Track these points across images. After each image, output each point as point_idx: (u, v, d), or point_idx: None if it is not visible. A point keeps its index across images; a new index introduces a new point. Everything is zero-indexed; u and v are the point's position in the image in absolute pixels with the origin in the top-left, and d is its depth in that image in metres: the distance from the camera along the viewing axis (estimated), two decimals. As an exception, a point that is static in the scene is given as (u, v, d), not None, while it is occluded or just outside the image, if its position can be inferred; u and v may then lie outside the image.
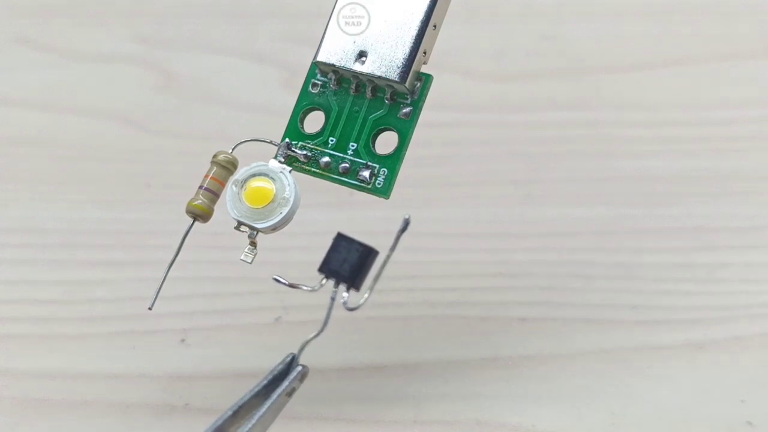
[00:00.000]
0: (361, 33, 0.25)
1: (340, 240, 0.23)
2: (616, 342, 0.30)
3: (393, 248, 0.23)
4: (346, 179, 0.25)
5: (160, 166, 0.37)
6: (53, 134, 0.39)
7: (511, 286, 0.32)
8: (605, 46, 0.42)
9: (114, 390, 0.29)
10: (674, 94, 0.40)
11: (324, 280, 0.23)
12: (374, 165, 0.25)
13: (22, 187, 0.37)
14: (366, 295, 0.23)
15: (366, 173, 0.25)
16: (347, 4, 0.25)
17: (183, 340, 0.30)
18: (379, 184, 0.25)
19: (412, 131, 0.25)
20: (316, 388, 0.29)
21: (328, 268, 0.23)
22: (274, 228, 0.25)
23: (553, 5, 0.44)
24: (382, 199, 0.25)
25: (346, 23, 0.25)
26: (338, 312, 0.31)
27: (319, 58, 0.25)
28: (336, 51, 0.25)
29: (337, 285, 0.23)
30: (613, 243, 0.33)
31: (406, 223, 0.22)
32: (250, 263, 0.25)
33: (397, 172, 0.25)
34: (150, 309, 0.25)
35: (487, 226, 0.35)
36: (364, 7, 0.25)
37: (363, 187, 0.25)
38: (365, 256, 0.23)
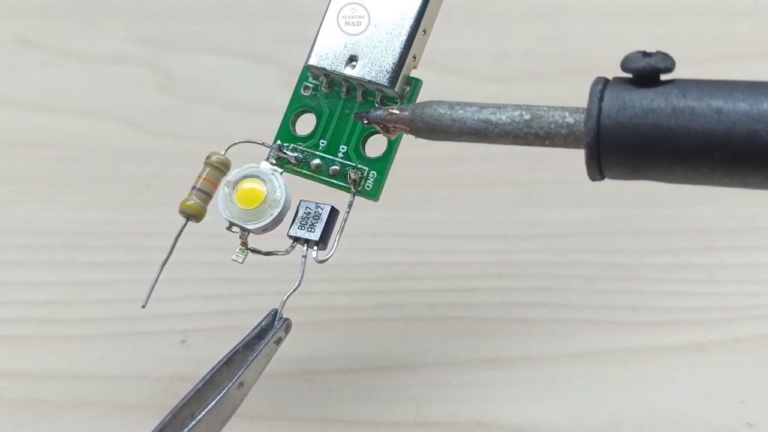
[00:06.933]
0: (361, 33, 0.25)
1: (304, 205, 0.25)
2: (615, 343, 0.30)
3: (350, 206, 0.25)
4: (335, 181, 0.25)
5: (160, 167, 0.37)
6: (53, 135, 0.39)
7: (511, 287, 0.32)
8: (605, 46, 0.42)
9: (114, 391, 0.29)
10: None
11: (294, 243, 0.25)
12: (364, 168, 0.25)
13: (22, 188, 0.37)
14: (332, 250, 0.25)
15: (356, 176, 0.25)
16: (347, 4, 0.25)
17: (183, 342, 0.30)
18: (368, 186, 0.25)
19: (401, 135, 0.25)
20: (316, 390, 0.29)
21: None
22: (265, 229, 0.25)
23: (553, 5, 0.44)
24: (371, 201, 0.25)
25: (347, 23, 0.25)
26: (339, 314, 0.31)
27: (311, 62, 0.25)
28: (327, 55, 0.25)
29: (305, 245, 0.25)
30: (613, 244, 0.33)
31: (354, 182, 0.25)
32: (242, 263, 0.25)
33: (386, 175, 0.25)
34: (143, 307, 0.25)
35: (487, 228, 0.35)
36: (364, 7, 0.25)
37: (352, 189, 0.25)
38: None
